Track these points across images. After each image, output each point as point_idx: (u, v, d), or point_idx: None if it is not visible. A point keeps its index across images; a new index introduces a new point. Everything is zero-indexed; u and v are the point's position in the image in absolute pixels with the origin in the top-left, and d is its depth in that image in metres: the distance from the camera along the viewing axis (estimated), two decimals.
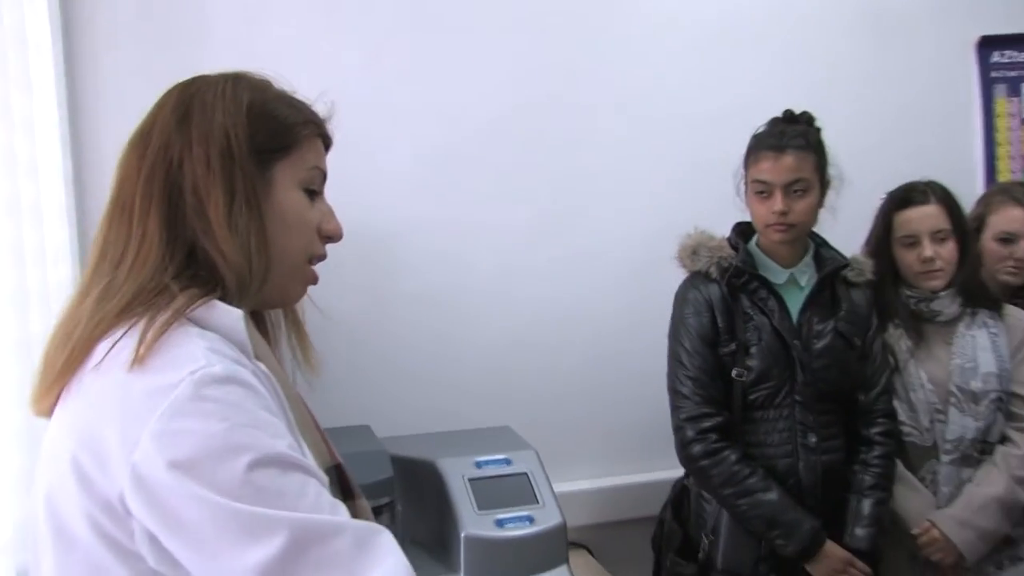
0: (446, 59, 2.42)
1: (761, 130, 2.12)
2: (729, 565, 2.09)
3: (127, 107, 1.24)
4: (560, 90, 2.50)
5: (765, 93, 2.32)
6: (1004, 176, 2.90)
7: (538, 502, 1.92)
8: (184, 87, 1.11)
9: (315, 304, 1.23)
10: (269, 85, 1.14)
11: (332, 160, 1.19)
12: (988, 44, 2.91)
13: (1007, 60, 2.93)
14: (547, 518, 1.89)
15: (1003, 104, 2.92)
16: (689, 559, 2.15)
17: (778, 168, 2.04)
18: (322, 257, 1.15)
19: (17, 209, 1.70)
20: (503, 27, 2.46)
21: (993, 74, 2.92)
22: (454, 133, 2.42)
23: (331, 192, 1.17)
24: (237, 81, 1.11)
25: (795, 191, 2.04)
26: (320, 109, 1.17)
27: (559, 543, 1.90)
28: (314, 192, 1.14)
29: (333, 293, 2.29)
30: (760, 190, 2.06)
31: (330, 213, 1.16)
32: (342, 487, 1.12)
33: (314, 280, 1.16)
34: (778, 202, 2.03)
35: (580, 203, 2.51)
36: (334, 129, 1.18)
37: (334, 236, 1.16)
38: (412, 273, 2.40)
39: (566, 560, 1.90)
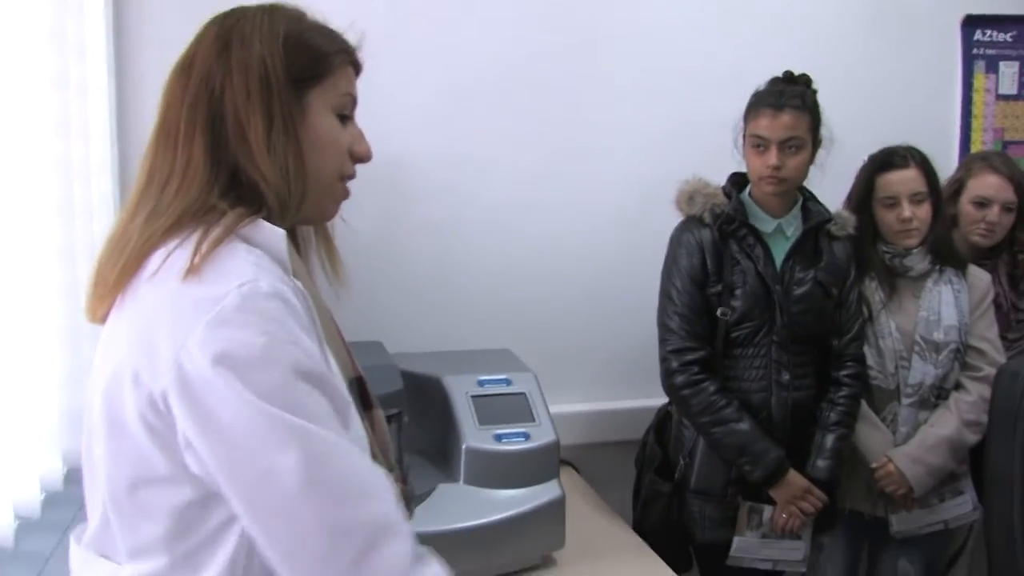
0: (462, 7, 2.54)
1: (762, 88, 2.24)
2: (701, 486, 2.27)
3: (168, 34, 1.32)
4: (573, 41, 2.62)
5: (764, 56, 2.44)
6: (976, 146, 3.07)
7: (534, 420, 2.03)
8: (223, 19, 1.15)
9: (343, 220, 1.29)
10: (303, 16, 1.18)
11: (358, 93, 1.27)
12: (972, 23, 3.05)
13: (988, 39, 3.08)
14: (542, 435, 2.00)
15: (981, 79, 3.08)
16: (666, 478, 2.32)
17: (775, 125, 2.16)
18: (352, 176, 1.22)
19: (66, 127, 1.78)
20: None
21: (974, 51, 3.07)
22: (471, 74, 2.54)
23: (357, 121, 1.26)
24: (273, 13, 1.15)
25: (790, 147, 2.17)
26: (351, 38, 1.21)
27: (552, 459, 2.01)
28: (345, 117, 1.19)
29: (349, 216, 2.45)
30: (757, 144, 2.19)
31: (360, 136, 1.21)
32: (362, 397, 1.22)
33: (346, 195, 1.23)
34: (773, 156, 2.16)
35: (585, 147, 2.65)
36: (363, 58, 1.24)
37: (364, 157, 1.21)
38: (424, 202, 2.53)
39: (557, 475, 2.02)
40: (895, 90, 2.94)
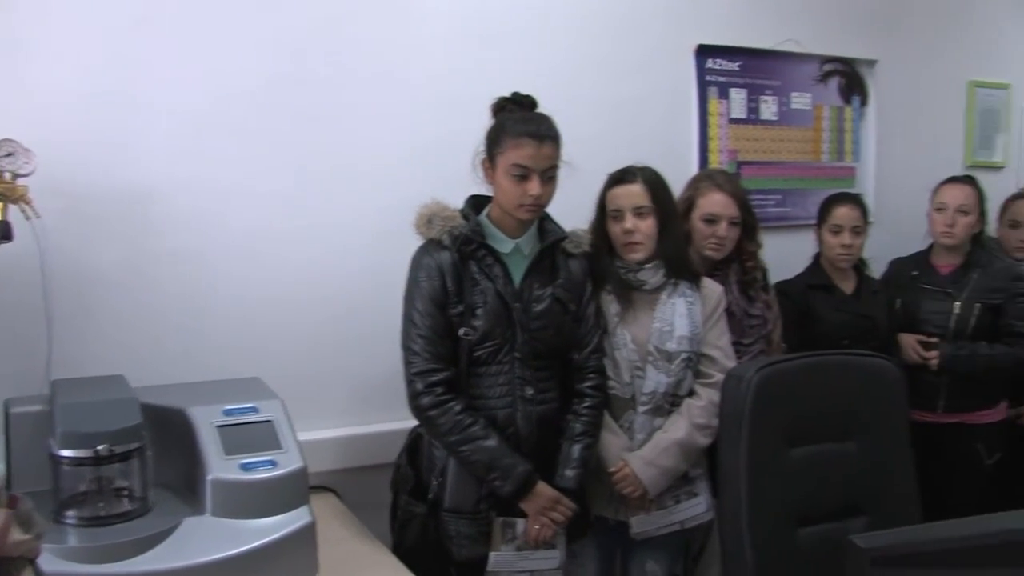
0: (208, 28, 2.51)
1: (512, 114, 2.28)
2: (454, 504, 2.29)
3: None
4: (316, 66, 2.64)
5: (503, 80, 2.46)
6: (714, 165, 3.29)
7: (281, 447, 2.00)
8: None
9: None
10: None
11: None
12: (704, 52, 3.28)
13: (719, 67, 3.32)
14: (289, 462, 1.98)
15: (715, 104, 3.32)
16: (421, 499, 2.34)
17: (539, 155, 2.22)
18: None
19: None
20: (261, 4, 2.58)
21: (708, 78, 3.30)
22: (213, 99, 2.52)
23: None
24: None
25: (548, 177, 2.26)
26: None
27: (300, 485, 1.99)
28: None
29: (94, 247, 2.38)
30: (519, 173, 2.23)
31: None
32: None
33: None
34: (536, 186, 2.22)
35: (331, 172, 2.67)
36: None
37: None
38: (169, 231, 2.48)
39: (307, 501, 1.99)
40: (637, 113, 3.12)
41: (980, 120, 4.29)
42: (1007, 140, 4.45)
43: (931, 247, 3.37)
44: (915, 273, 3.32)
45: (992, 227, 3.64)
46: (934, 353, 3.17)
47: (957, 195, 3.25)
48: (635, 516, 2.47)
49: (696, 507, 2.51)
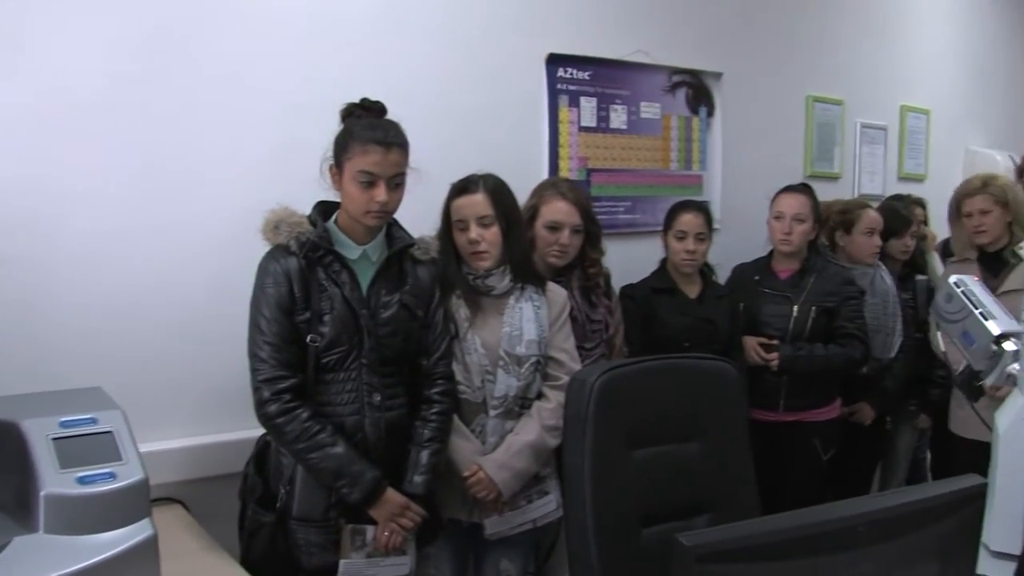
0: (44, 24, 2.41)
1: (360, 120, 2.27)
2: (303, 512, 2.27)
3: None
4: (161, 66, 2.57)
5: (354, 86, 2.46)
6: (564, 173, 3.35)
7: (121, 459, 1.91)
8: None
9: None
10: None
11: None
12: (555, 60, 3.34)
13: (569, 76, 3.39)
14: (130, 474, 1.89)
15: (565, 112, 3.38)
16: (269, 508, 2.30)
17: (386, 162, 2.22)
18: None
19: None
20: (104, 2, 2.50)
21: (559, 86, 3.36)
22: (52, 98, 2.42)
23: None
24: None
25: (396, 184, 2.25)
26: None
27: (141, 498, 1.90)
28: None
29: None
30: (365, 180, 2.22)
31: None
32: None
33: None
34: (383, 193, 2.22)
35: (176, 176, 2.60)
36: None
37: None
38: (2, 233, 2.37)
39: (149, 514, 1.92)
40: (488, 120, 3.15)
41: (818, 133, 4.52)
42: (843, 152, 4.69)
43: (771, 253, 3.52)
44: (756, 278, 3.46)
45: None
46: (774, 355, 3.31)
47: (793, 204, 3.40)
48: (488, 518, 2.51)
49: (547, 505, 2.57)
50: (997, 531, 1.60)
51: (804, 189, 3.49)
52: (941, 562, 1.53)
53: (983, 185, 3.27)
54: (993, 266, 3.22)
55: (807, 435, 3.36)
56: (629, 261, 3.33)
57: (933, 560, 1.53)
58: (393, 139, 2.24)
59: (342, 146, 2.27)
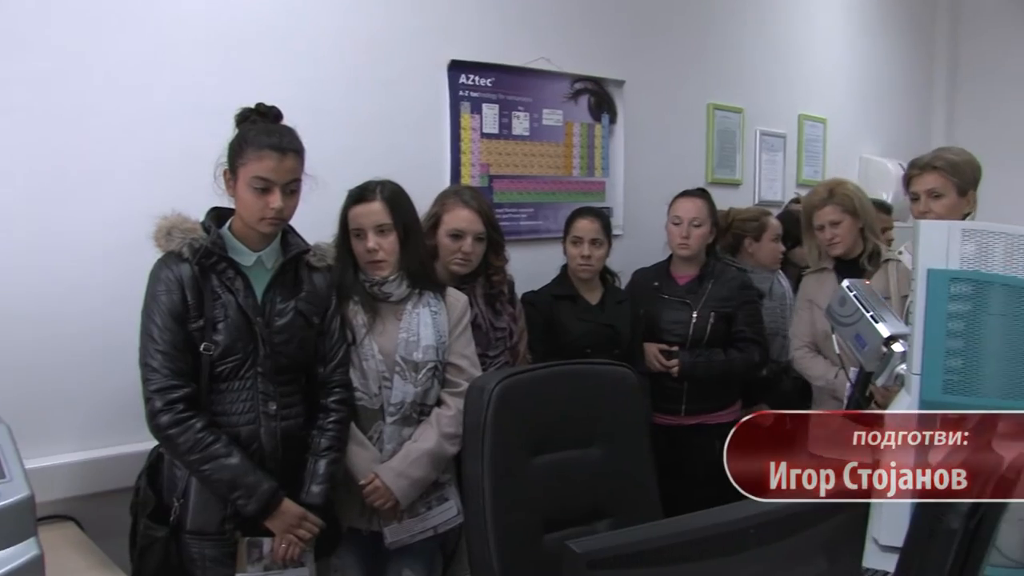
0: None
1: (255, 125, 2.25)
2: (197, 525, 2.23)
3: None
4: (51, 67, 2.49)
5: (252, 92, 2.42)
6: (466, 179, 3.35)
7: (5, 476, 1.86)
8: None
9: None
10: None
11: None
12: (457, 67, 3.34)
13: (472, 83, 3.39)
14: (13, 492, 1.82)
15: (467, 119, 3.38)
16: (162, 523, 2.25)
17: (281, 168, 2.20)
18: None
19: None
20: None
21: (460, 93, 3.36)
22: None
23: None
24: None
25: (291, 190, 2.23)
26: None
27: (27, 516, 1.83)
28: None
29: None
30: (260, 186, 2.19)
31: None
32: None
33: None
34: (278, 200, 2.20)
35: (64, 181, 2.52)
36: None
37: None
38: None
39: (34, 533, 1.85)
40: (390, 127, 3.13)
41: (719, 140, 4.61)
42: (743, 159, 4.79)
43: (670, 258, 3.56)
44: (656, 284, 3.50)
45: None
46: (674, 362, 3.36)
47: (690, 208, 3.45)
48: (388, 526, 2.49)
49: (448, 512, 2.56)
50: (886, 526, 1.65)
51: (701, 194, 3.53)
52: (828, 558, 1.56)
53: (829, 195, 3.26)
54: (850, 274, 3.25)
55: (709, 437, 3.39)
56: (532, 268, 3.35)
57: (820, 557, 1.56)
58: (288, 145, 2.22)
59: (236, 152, 2.24)
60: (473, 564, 2.32)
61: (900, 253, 3.15)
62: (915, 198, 2.96)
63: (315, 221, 2.44)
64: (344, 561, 2.54)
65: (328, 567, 2.50)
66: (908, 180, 2.99)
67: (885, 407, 2.84)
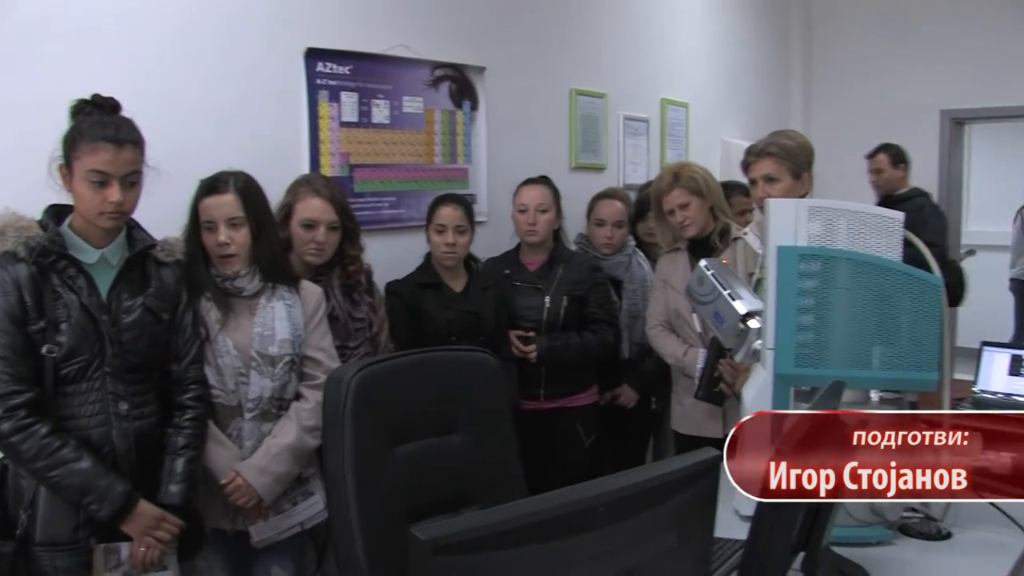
0: None
1: (90, 117, 2.17)
2: (48, 536, 2.15)
3: None
4: None
5: (97, 83, 2.32)
6: (326, 170, 3.30)
7: None
8: None
9: None
10: None
11: None
12: (314, 55, 3.28)
13: (329, 71, 3.34)
14: None
15: (325, 107, 3.33)
16: (8, 537, 2.16)
17: (118, 161, 2.13)
18: None
19: None
20: None
21: (318, 81, 3.30)
22: None
23: None
24: None
25: (131, 182, 2.16)
26: None
27: None
28: None
29: None
30: (97, 180, 2.12)
31: None
32: None
33: None
34: (116, 193, 2.12)
35: None
36: None
37: None
38: None
39: None
40: (245, 117, 3.05)
41: (582, 125, 4.66)
42: (607, 144, 4.85)
43: (519, 246, 3.61)
44: (507, 272, 3.53)
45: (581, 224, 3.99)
46: (532, 347, 3.40)
47: (535, 195, 3.51)
48: (254, 525, 2.46)
49: (314, 506, 2.54)
50: (744, 497, 1.71)
51: (544, 180, 3.58)
52: (679, 533, 1.60)
53: (675, 179, 3.34)
54: (703, 253, 3.33)
55: (571, 420, 3.48)
56: (395, 257, 3.34)
57: (671, 532, 1.59)
58: (125, 136, 2.15)
59: (71, 145, 2.16)
60: (339, 557, 2.30)
61: (745, 233, 3.23)
62: (753, 183, 3.06)
63: (167, 215, 2.37)
64: (210, 562, 2.49)
65: (194, 569, 2.44)
66: (746, 166, 3.09)
67: (733, 384, 2.96)
